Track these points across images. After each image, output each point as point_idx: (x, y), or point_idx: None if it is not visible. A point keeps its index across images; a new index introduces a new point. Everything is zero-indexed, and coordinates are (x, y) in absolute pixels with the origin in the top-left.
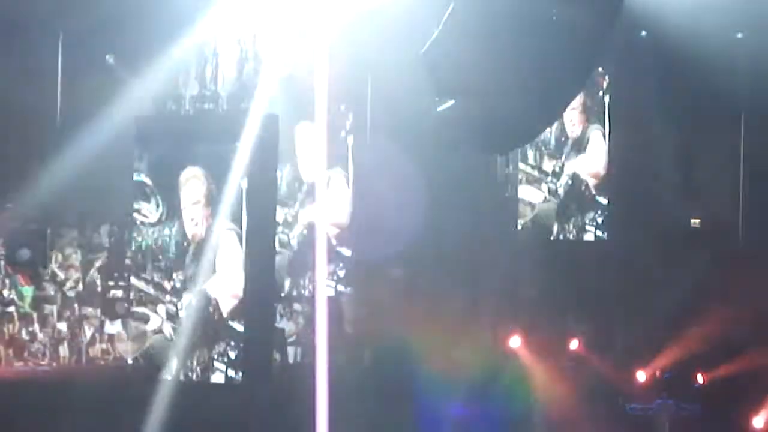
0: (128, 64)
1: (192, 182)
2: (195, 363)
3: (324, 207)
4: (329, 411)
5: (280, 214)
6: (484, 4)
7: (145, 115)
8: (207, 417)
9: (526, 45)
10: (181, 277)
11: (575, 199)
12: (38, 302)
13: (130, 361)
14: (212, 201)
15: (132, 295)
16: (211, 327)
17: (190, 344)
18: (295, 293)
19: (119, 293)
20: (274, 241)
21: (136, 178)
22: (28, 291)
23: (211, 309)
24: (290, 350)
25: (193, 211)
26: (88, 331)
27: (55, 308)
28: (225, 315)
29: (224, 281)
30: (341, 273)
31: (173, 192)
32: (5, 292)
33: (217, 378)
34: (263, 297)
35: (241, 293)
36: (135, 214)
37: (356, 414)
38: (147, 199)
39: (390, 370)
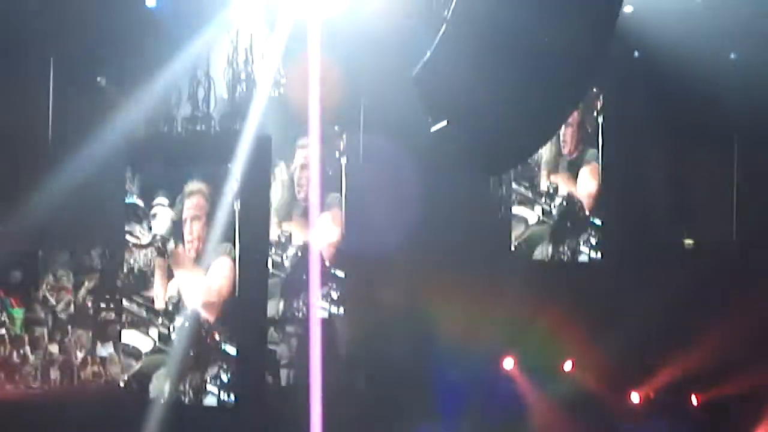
0: (120, 86)
1: (192, 198)
2: (187, 386)
3: (317, 228)
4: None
5: (273, 235)
6: (476, 25)
7: (137, 137)
8: None
9: (519, 66)
10: (173, 300)
11: (569, 219)
12: (29, 324)
13: (121, 384)
14: (209, 220)
15: (124, 317)
16: (203, 349)
17: (182, 367)
18: (288, 315)
19: (111, 315)
20: (267, 262)
21: (128, 200)
22: (18, 313)
23: (203, 332)
24: (283, 373)
25: (188, 228)
26: (80, 354)
27: (46, 330)
28: (217, 337)
29: (217, 303)
30: (335, 295)
31: (166, 213)
32: None
33: (210, 401)
34: (256, 319)
35: (233, 315)
36: (127, 236)
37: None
38: (139, 221)
39: (385, 393)
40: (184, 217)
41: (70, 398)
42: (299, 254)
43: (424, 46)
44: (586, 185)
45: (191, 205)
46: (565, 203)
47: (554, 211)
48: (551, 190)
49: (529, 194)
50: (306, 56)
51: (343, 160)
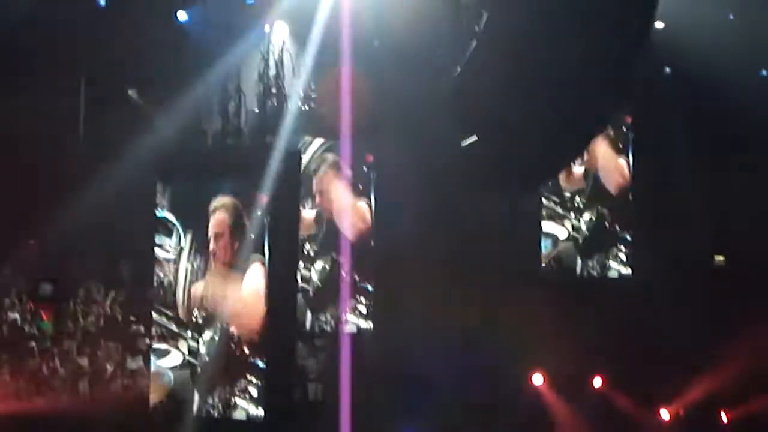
0: (151, 99)
1: (219, 212)
2: (216, 400)
3: (346, 242)
4: None
5: (303, 249)
6: (508, 41)
7: (167, 150)
8: None
9: (550, 81)
10: (203, 313)
11: (598, 235)
12: (59, 337)
13: (151, 398)
14: (237, 234)
15: (153, 330)
16: (232, 363)
17: (211, 381)
18: (317, 329)
19: (141, 329)
20: (296, 276)
21: (158, 213)
22: (48, 326)
23: (232, 345)
24: (311, 387)
25: (216, 242)
26: (109, 367)
27: (75, 344)
28: (246, 351)
29: (246, 317)
30: (363, 308)
31: (196, 227)
32: (26, 327)
33: (239, 415)
34: (285, 333)
35: (262, 329)
36: (157, 249)
37: None
38: (169, 235)
39: (410, 406)
40: (210, 232)
41: (99, 412)
42: (327, 268)
43: (455, 59)
44: (616, 201)
45: (215, 221)
46: (594, 218)
47: (583, 227)
48: (580, 206)
49: (559, 210)
50: (337, 70)
51: (372, 174)
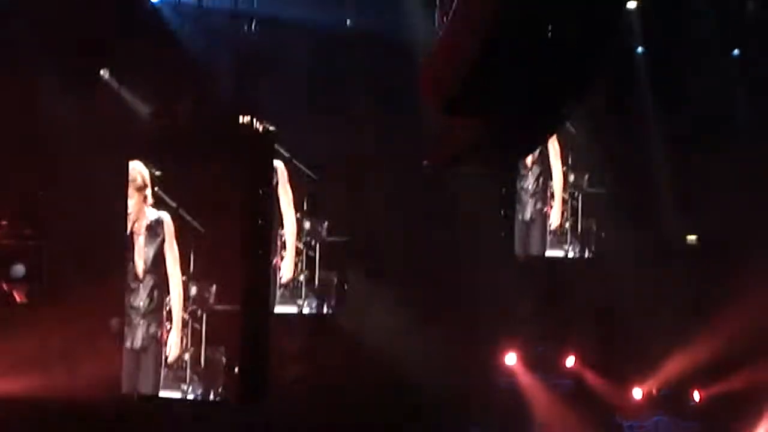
0: (122, 79)
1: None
2: (190, 381)
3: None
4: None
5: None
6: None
7: (140, 129)
8: None
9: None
10: (177, 292)
11: (573, 215)
12: (32, 318)
13: (124, 379)
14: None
15: (126, 311)
16: (208, 344)
17: (187, 362)
18: (294, 310)
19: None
20: (270, 256)
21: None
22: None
23: (206, 326)
24: (289, 367)
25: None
26: (82, 349)
27: (49, 325)
28: (220, 332)
29: (220, 296)
30: (338, 291)
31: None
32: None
33: (213, 396)
34: (259, 313)
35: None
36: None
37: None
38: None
39: (390, 387)
40: (182, 204)
41: (72, 392)
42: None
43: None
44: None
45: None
46: (567, 198)
47: (558, 207)
48: (555, 186)
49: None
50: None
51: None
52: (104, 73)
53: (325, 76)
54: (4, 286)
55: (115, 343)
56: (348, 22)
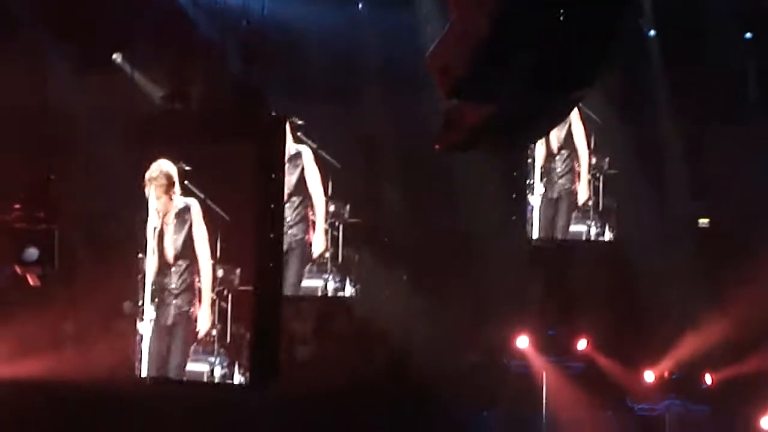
0: (135, 63)
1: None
2: (217, 354)
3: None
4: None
5: (291, 213)
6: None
7: (152, 113)
8: (215, 417)
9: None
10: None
11: (583, 198)
12: (46, 302)
13: (137, 362)
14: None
15: (140, 294)
16: (233, 322)
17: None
18: (302, 293)
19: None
20: (282, 238)
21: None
22: (36, 291)
23: (216, 308)
24: (299, 350)
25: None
26: (95, 331)
27: (62, 308)
28: (231, 313)
29: (230, 279)
30: (350, 274)
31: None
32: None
33: (225, 378)
34: (271, 295)
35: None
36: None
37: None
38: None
39: (399, 370)
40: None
41: (86, 375)
42: (316, 232)
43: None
44: (601, 163)
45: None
46: (579, 181)
47: (568, 190)
48: (566, 169)
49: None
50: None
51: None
52: (117, 57)
53: (337, 61)
54: (18, 270)
55: (128, 325)
56: (360, 6)
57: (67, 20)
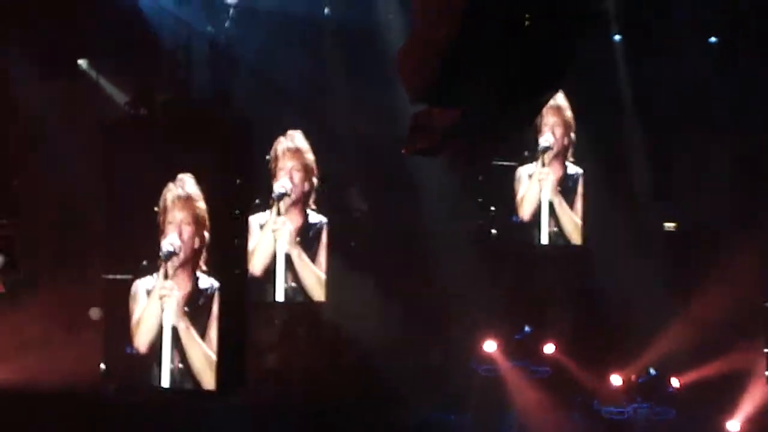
0: (100, 69)
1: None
2: (168, 370)
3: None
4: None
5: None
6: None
7: (117, 120)
8: (183, 425)
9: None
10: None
11: (551, 202)
12: (11, 308)
13: (102, 368)
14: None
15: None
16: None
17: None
18: (271, 299)
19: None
20: (247, 245)
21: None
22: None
23: (187, 317)
24: (266, 357)
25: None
26: (61, 337)
27: (27, 314)
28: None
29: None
30: (319, 276)
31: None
32: None
33: (191, 386)
34: (237, 303)
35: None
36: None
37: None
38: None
39: (369, 374)
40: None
41: (49, 382)
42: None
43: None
44: (568, 168)
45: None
46: (546, 186)
47: (536, 194)
48: (532, 173)
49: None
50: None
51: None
52: (82, 62)
53: (304, 65)
54: None
55: (94, 332)
56: (326, 11)
57: (32, 26)
